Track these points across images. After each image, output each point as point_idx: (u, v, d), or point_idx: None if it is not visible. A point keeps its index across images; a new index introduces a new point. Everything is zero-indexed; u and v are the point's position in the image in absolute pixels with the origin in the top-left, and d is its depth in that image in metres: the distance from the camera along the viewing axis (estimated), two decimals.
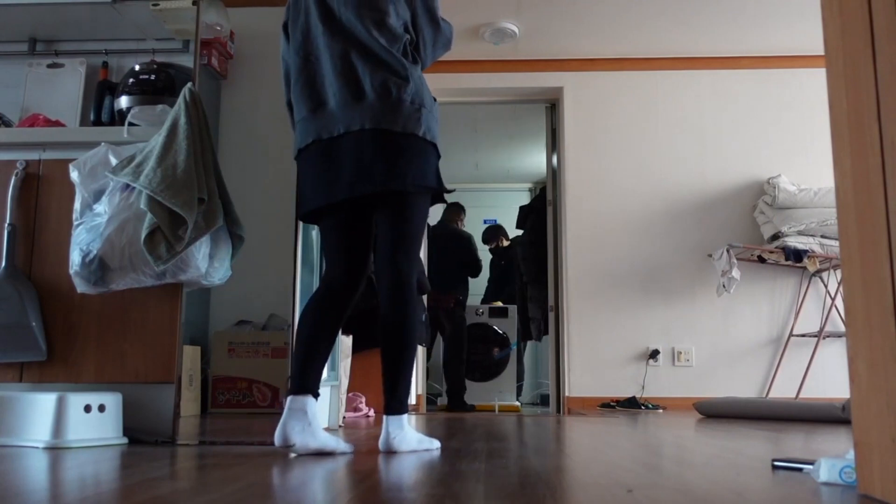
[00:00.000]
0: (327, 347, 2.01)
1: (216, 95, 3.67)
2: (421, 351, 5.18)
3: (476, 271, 6.06)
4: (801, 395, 4.64)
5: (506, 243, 6.76)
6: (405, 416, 1.96)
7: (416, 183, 1.98)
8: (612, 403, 4.84)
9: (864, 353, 1.20)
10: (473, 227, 7.82)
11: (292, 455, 1.87)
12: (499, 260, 6.84)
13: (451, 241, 5.94)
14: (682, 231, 5.11)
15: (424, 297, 4.01)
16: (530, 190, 8.38)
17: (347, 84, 1.99)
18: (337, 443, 1.93)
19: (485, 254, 6.93)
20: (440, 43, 2.18)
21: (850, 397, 1.24)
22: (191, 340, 3.36)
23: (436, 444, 2.04)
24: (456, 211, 6.20)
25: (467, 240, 6.06)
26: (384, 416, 1.95)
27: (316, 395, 1.96)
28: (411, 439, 1.95)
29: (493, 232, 6.85)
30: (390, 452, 1.91)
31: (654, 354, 4.96)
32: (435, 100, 2.10)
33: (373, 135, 1.95)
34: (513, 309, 6.21)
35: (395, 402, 1.96)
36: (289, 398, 1.92)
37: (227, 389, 3.41)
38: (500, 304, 6.37)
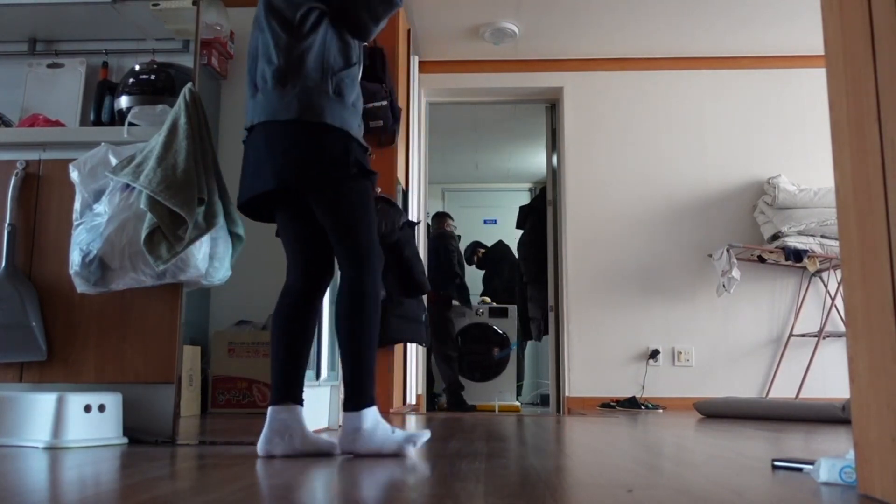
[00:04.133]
0: (305, 352, 1.92)
1: (216, 95, 3.67)
2: (421, 351, 5.17)
3: (449, 269, 5.84)
4: (801, 395, 4.64)
5: (481, 252, 6.89)
6: (369, 409, 1.81)
7: (320, 173, 1.85)
8: (612, 403, 4.84)
9: (864, 353, 1.20)
10: (474, 226, 7.84)
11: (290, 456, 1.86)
12: (488, 268, 6.92)
13: (434, 242, 5.94)
14: (682, 231, 5.11)
15: (424, 298, 4.02)
16: (530, 190, 8.38)
17: (255, 77, 2.00)
18: (330, 445, 1.86)
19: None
20: None
21: (850, 397, 1.24)
22: (191, 340, 3.36)
23: (422, 437, 1.87)
24: (440, 218, 6.21)
25: (445, 238, 5.95)
26: (341, 413, 1.84)
27: (300, 402, 1.87)
28: (376, 437, 1.79)
29: (470, 251, 6.91)
30: (351, 453, 1.80)
31: (654, 354, 4.95)
32: (348, 67, 1.93)
33: (265, 127, 1.90)
34: (513, 309, 6.21)
35: (354, 397, 1.81)
36: (270, 409, 1.84)
37: (227, 389, 3.41)
38: (488, 299, 6.44)
